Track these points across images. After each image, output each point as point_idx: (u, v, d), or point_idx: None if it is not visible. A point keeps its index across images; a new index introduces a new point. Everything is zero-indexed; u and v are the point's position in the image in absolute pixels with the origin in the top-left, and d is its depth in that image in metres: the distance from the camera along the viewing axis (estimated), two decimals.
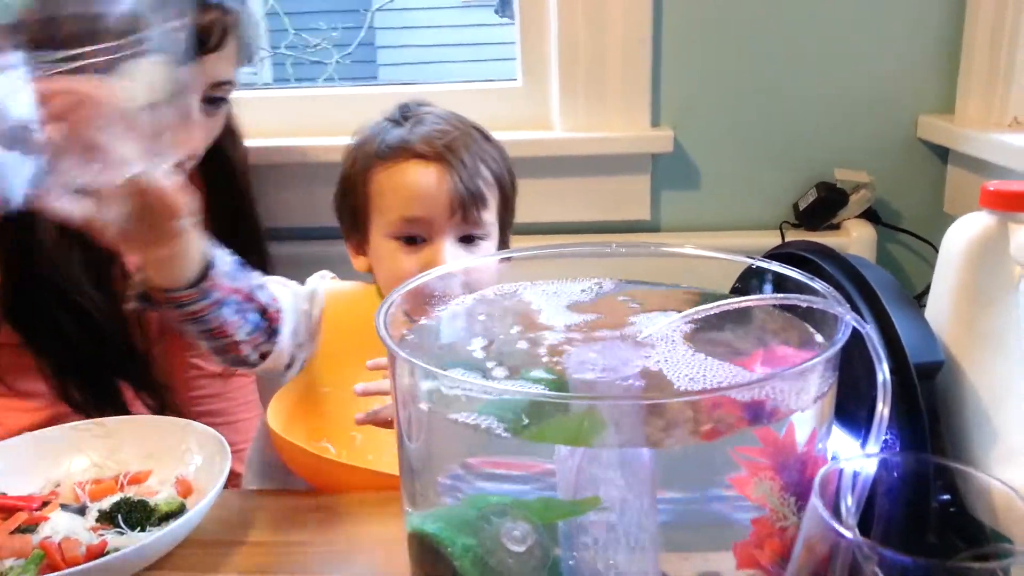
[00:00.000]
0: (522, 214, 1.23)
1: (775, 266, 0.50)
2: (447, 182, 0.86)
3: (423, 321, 0.60)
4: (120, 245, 0.70)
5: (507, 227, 0.95)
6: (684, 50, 1.17)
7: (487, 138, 0.93)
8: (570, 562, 0.47)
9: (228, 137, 1.05)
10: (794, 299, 0.44)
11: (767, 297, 0.46)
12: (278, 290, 0.90)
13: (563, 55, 1.18)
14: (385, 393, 0.77)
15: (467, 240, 0.89)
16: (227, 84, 0.94)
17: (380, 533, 0.73)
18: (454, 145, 0.88)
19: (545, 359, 0.49)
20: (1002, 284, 0.46)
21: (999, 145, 0.96)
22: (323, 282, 0.96)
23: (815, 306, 0.44)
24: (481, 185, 0.88)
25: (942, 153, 1.17)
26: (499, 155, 0.93)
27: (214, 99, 0.94)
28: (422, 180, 0.87)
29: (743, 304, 0.48)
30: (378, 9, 4.39)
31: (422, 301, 0.60)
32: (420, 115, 0.92)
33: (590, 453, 0.44)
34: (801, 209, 1.17)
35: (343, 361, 0.89)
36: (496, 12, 3.34)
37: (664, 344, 0.48)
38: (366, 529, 0.73)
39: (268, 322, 0.86)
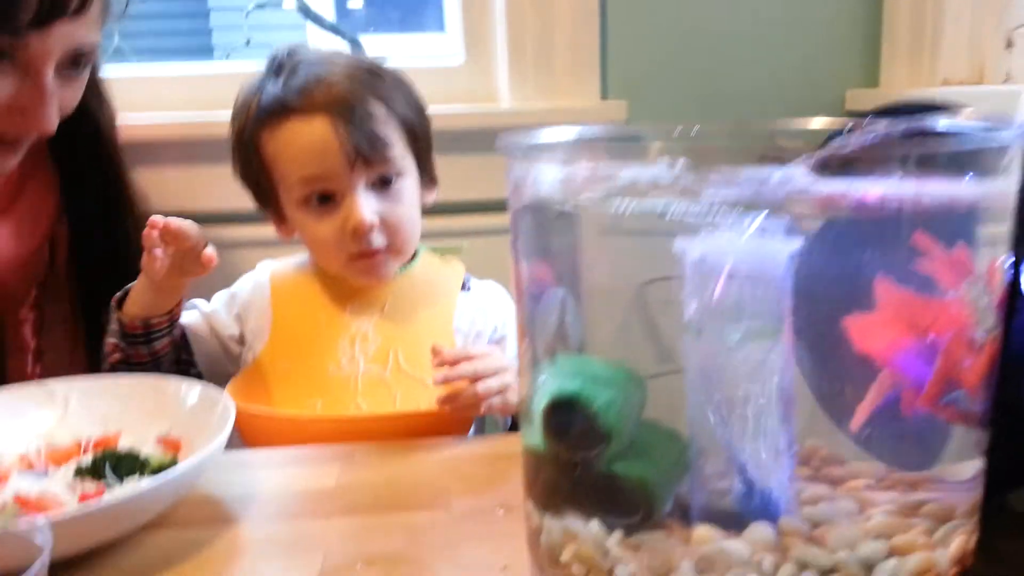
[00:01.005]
0: (475, 191, 1.19)
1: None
2: (336, 134, 0.79)
3: None
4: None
5: (426, 159, 0.88)
6: (631, 23, 1.19)
7: (375, 73, 0.84)
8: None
9: (94, 98, 0.91)
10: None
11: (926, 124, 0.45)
12: (185, 316, 0.87)
13: (511, 29, 1.16)
14: (463, 378, 0.73)
15: (383, 183, 0.82)
16: (89, 49, 0.82)
17: (398, 473, 0.66)
18: (335, 91, 0.80)
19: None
20: None
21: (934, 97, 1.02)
22: (263, 271, 0.90)
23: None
24: (375, 126, 0.80)
25: None
26: (394, 88, 0.85)
27: (75, 62, 0.81)
28: (308, 137, 0.80)
29: (896, 135, 0.45)
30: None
31: None
32: (294, 64, 0.83)
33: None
34: None
35: (296, 339, 0.84)
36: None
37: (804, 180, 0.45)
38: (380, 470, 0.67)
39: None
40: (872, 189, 0.39)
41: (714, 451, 0.44)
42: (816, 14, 1.21)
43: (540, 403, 0.44)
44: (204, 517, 0.58)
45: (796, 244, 0.41)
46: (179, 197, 1.13)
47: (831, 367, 0.43)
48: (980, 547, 0.43)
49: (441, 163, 1.21)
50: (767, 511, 0.43)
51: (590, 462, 0.43)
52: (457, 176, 1.16)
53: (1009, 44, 1.02)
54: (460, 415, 0.74)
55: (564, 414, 0.43)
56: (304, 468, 0.67)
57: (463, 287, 0.90)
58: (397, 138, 0.83)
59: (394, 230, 0.82)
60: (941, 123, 0.43)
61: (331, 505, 0.60)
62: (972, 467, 0.43)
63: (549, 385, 0.44)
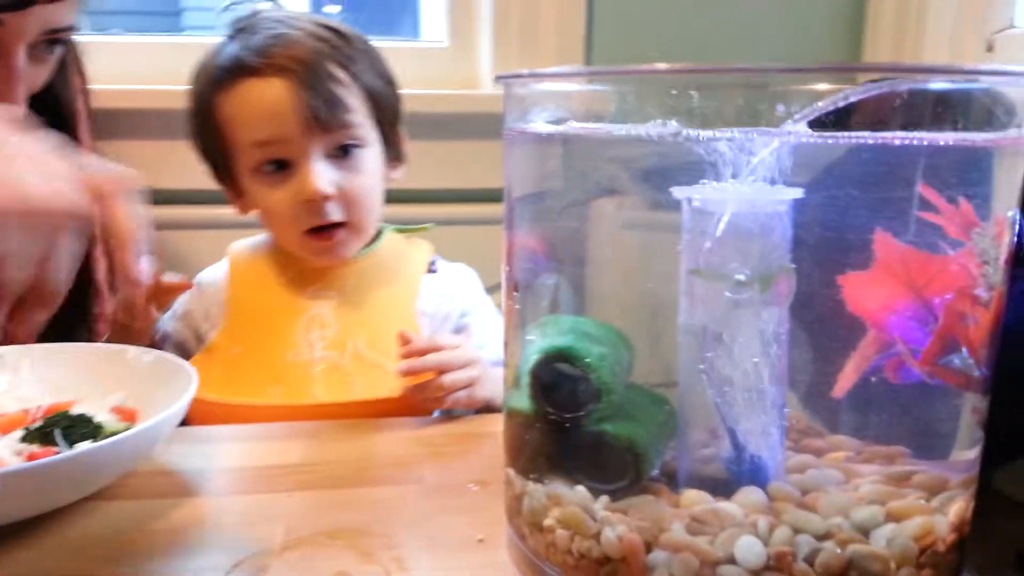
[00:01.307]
0: (456, 179, 1.16)
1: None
2: (293, 95, 0.74)
3: None
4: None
5: (392, 132, 0.83)
6: (617, 11, 1.18)
7: (341, 36, 0.79)
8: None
9: (59, 74, 0.85)
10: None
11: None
12: None
13: (497, 13, 1.15)
14: (430, 370, 0.69)
15: (342, 152, 0.77)
16: (66, 30, 0.77)
17: (366, 450, 0.64)
18: (294, 52, 0.75)
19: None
20: None
21: None
22: (218, 268, 0.85)
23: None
24: (335, 89, 0.76)
25: None
26: (360, 53, 0.80)
27: (50, 43, 0.77)
28: (264, 99, 0.75)
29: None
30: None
31: None
32: (254, 24, 0.79)
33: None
34: None
35: (252, 322, 0.80)
36: None
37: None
38: (341, 446, 0.64)
39: None
40: (874, 136, 0.38)
41: (703, 414, 0.42)
42: (800, 13, 1.21)
43: (529, 360, 0.42)
44: (158, 489, 0.55)
45: (796, 193, 0.39)
46: (156, 172, 1.09)
47: (822, 329, 0.42)
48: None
49: (420, 149, 1.18)
50: (756, 476, 0.41)
51: (579, 421, 0.41)
52: (437, 163, 1.14)
53: (990, 48, 1.02)
54: (423, 406, 0.71)
55: (555, 370, 0.41)
56: (267, 443, 0.63)
57: (430, 268, 0.86)
58: (359, 105, 0.78)
59: (352, 203, 0.77)
60: (950, 77, 0.41)
61: (295, 479, 0.57)
62: (965, 446, 0.42)
63: (539, 342, 0.42)
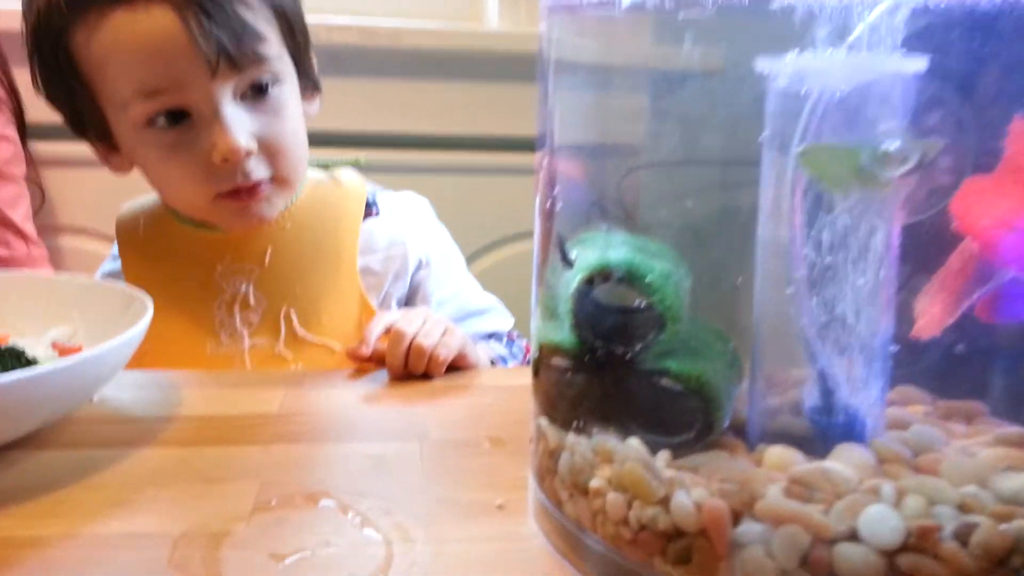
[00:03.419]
0: (455, 124, 1.05)
1: None
2: (186, 26, 0.57)
3: None
4: None
5: (305, 57, 0.67)
6: None
7: None
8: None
9: None
10: None
11: None
12: None
13: None
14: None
15: (256, 92, 0.61)
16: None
17: (357, 401, 0.55)
18: None
19: None
20: None
21: None
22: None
23: None
24: (241, 14, 0.59)
25: None
26: None
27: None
28: (144, 34, 0.57)
29: None
30: None
31: None
32: None
33: None
34: None
35: (157, 313, 0.56)
36: None
37: None
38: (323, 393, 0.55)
39: None
40: None
41: (785, 352, 0.33)
42: None
43: (571, 282, 0.33)
44: (103, 437, 0.46)
45: (918, 64, 0.30)
46: None
47: (914, 252, 0.33)
48: None
49: (416, 90, 1.08)
50: (851, 432, 0.32)
51: (636, 357, 0.32)
52: (435, 105, 1.04)
53: None
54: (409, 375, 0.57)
55: (605, 292, 0.32)
56: (240, 391, 0.54)
57: (369, 212, 0.71)
58: (270, 31, 0.61)
59: (277, 154, 0.62)
60: None
61: (271, 431, 0.47)
62: None
63: (585, 259, 0.33)
